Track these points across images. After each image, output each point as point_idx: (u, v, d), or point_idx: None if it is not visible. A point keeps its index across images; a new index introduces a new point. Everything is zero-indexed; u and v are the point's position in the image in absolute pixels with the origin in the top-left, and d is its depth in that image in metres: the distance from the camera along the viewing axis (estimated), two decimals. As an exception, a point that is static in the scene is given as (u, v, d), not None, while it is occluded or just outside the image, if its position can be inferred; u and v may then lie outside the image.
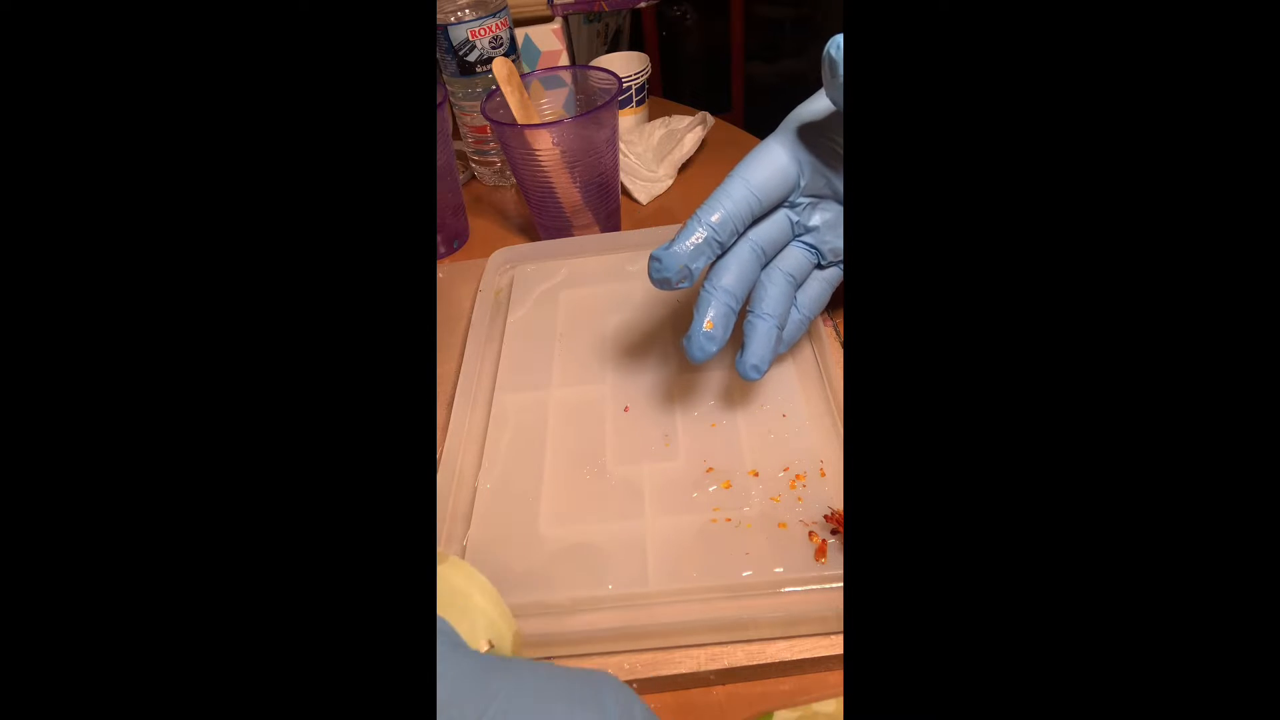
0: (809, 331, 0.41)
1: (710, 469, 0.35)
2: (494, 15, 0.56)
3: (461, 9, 0.55)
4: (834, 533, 0.32)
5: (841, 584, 0.30)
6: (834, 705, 0.27)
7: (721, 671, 0.29)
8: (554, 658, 0.30)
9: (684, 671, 0.29)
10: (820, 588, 0.30)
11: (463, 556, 0.34)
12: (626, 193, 0.59)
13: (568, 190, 0.50)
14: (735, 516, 0.33)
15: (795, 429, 0.37)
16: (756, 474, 0.35)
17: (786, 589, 0.31)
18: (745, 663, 0.29)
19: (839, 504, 0.33)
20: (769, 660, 0.29)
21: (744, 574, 0.31)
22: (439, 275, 0.52)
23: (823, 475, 0.34)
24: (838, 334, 0.41)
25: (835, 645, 0.29)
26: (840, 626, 0.30)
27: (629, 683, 0.28)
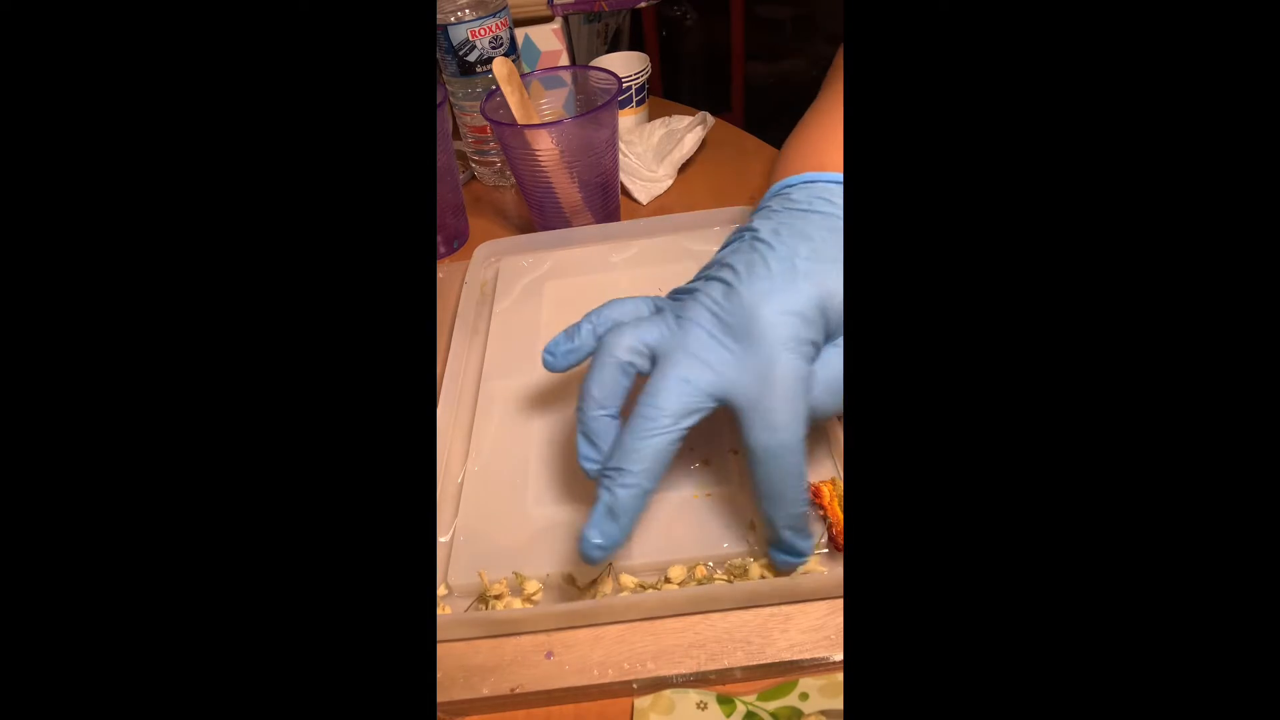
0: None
1: (691, 449, 0.36)
2: (494, 15, 0.56)
3: (461, 9, 0.55)
4: (809, 504, 0.32)
5: (817, 553, 0.31)
6: None
7: (721, 671, 0.29)
8: (547, 631, 0.31)
9: (683, 672, 0.29)
10: (795, 557, 0.31)
11: (452, 538, 0.35)
12: (626, 193, 0.59)
13: (567, 190, 0.50)
14: (715, 493, 0.34)
15: (774, 408, 0.37)
16: (735, 452, 0.36)
17: (764, 558, 0.31)
18: (745, 663, 0.29)
19: (813, 478, 0.34)
20: (769, 660, 0.29)
21: (723, 545, 0.32)
22: (438, 275, 0.51)
23: (799, 451, 0.35)
24: None
25: (834, 645, 0.29)
26: (813, 596, 0.30)
27: (628, 682, 0.29)
